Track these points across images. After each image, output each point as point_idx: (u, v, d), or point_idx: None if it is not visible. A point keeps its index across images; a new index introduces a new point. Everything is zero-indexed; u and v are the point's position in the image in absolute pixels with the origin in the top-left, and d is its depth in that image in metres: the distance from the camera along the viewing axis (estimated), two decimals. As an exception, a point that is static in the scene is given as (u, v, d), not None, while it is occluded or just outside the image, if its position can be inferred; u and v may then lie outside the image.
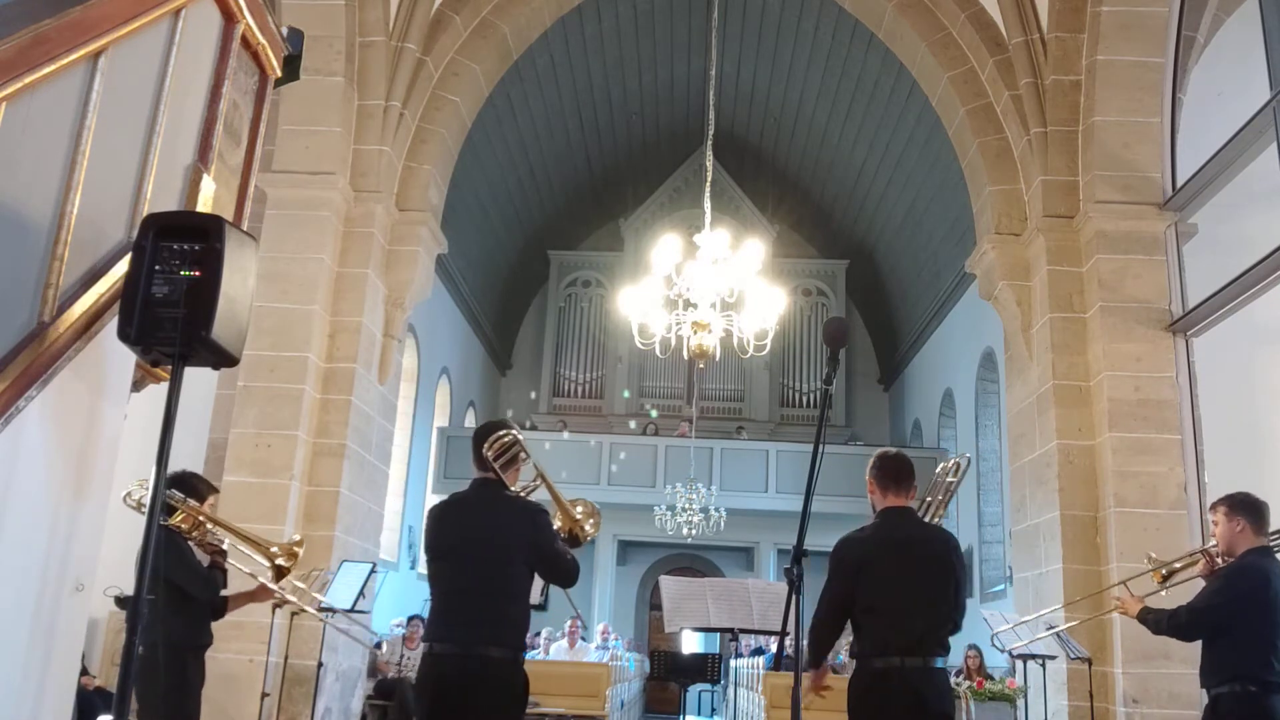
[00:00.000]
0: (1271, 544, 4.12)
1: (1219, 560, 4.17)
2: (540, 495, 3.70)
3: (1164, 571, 4.53)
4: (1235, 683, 3.85)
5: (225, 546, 4.20)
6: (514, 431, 3.53)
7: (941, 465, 3.93)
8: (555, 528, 3.54)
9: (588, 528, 3.64)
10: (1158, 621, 4.22)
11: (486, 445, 3.44)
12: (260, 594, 4.57)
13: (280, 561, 4.08)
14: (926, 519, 3.72)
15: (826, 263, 19.25)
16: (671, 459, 16.10)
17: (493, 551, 3.34)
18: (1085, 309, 7.62)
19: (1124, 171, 7.58)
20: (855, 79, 13.78)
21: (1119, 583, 5.33)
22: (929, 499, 3.83)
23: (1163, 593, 4.61)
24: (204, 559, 4.25)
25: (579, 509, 3.65)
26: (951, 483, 3.83)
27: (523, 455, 3.55)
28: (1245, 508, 4.05)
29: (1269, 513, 4.08)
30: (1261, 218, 6.85)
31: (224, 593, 4.34)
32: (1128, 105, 7.61)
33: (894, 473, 3.49)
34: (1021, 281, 8.13)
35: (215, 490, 4.52)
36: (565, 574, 3.51)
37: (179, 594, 4.01)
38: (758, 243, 7.30)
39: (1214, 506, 4.23)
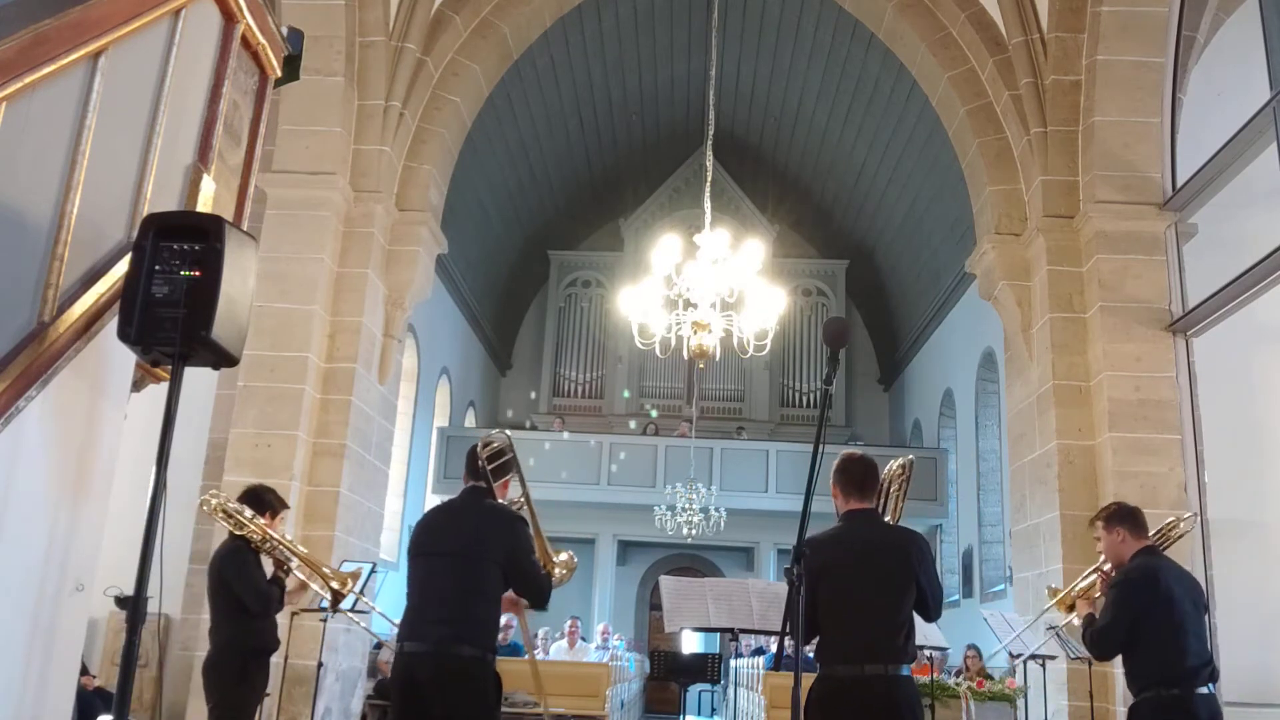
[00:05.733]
0: (1155, 543, 4.09)
1: (1112, 575, 4.08)
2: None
3: (1068, 602, 4.48)
4: (1153, 689, 3.75)
5: (294, 565, 4.55)
6: (508, 434, 3.66)
7: (887, 468, 3.84)
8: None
9: (558, 571, 3.68)
10: (1081, 638, 4.15)
11: (481, 447, 3.57)
12: (297, 592, 4.80)
13: (335, 585, 4.57)
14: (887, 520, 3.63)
15: (826, 263, 19.24)
16: (671, 459, 16.08)
17: (468, 552, 3.39)
18: (1085, 309, 7.62)
19: (1124, 171, 7.58)
20: (855, 79, 13.78)
21: (1048, 606, 5.16)
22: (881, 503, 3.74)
23: (1076, 621, 4.52)
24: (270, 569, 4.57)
25: (561, 555, 3.73)
26: (895, 491, 3.73)
27: (513, 468, 3.64)
28: (1120, 517, 4.00)
29: (1145, 517, 4.04)
30: (1261, 218, 6.84)
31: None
32: (1128, 105, 7.61)
33: (858, 478, 3.40)
34: (1021, 281, 8.13)
35: (285, 505, 4.80)
36: (537, 590, 3.51)
37: (238, 603, 4.31)
38: (758, 243, 7.30)
39: (1091, 523, 4.17)
